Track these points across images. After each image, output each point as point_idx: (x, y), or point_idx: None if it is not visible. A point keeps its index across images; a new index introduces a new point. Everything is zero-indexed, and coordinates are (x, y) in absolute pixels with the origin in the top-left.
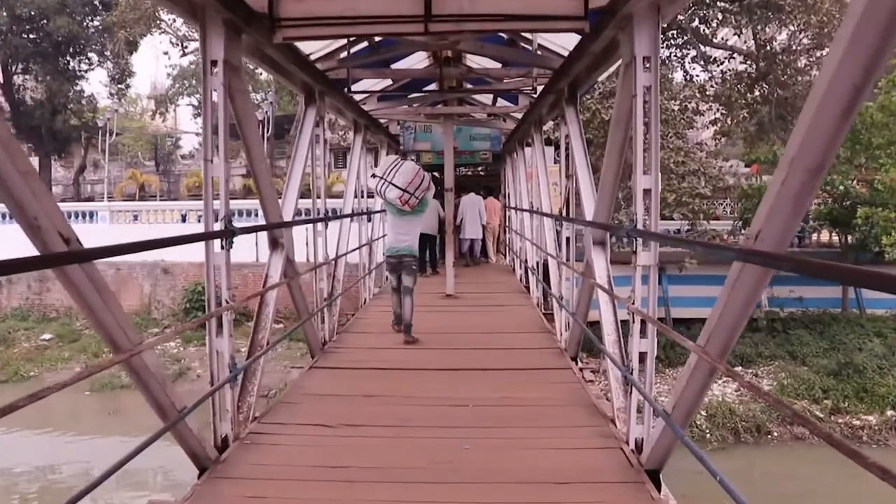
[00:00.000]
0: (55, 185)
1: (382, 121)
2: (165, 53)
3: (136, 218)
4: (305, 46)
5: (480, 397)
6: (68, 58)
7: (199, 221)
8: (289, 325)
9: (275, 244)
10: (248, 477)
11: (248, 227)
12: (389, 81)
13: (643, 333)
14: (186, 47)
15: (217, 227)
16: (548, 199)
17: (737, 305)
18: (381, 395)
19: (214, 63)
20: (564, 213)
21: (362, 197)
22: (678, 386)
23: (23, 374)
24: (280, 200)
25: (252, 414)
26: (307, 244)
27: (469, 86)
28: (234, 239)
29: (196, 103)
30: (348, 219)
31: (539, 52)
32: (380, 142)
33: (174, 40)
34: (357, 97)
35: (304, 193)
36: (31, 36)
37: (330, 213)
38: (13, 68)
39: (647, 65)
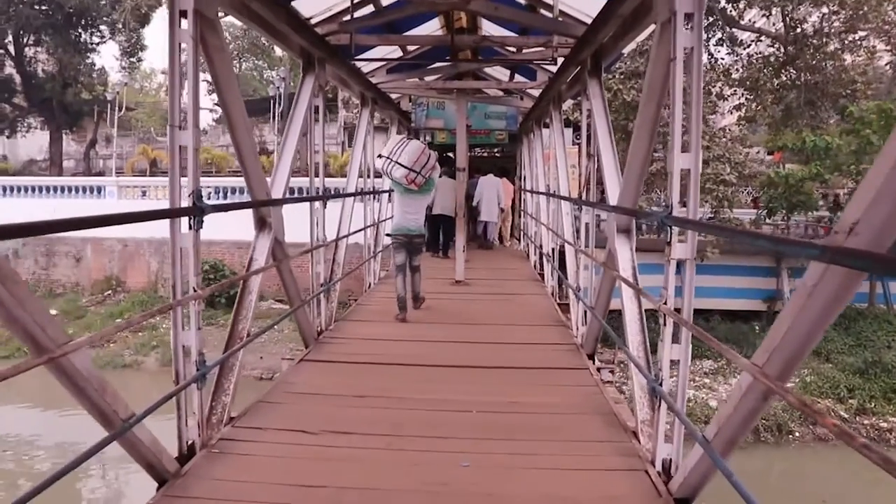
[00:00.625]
0: (67, 159)
1: (393, 96)
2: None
3: (144, 194)
4: (304, 8)
5: (486, 401)
6: (80, 30)
7: (208, 198)
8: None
9: (262, 224)
10: (209, 497)
11: (223, 205)
12: (399, 53)
13: (676, 338)
14: None
15: (184, 203)
16: (566, 182)
17: (811, 318)
18: (375, 395)
19: (184, 14)
20: (584, 197)
21: (369, 176)
22: (724, 409)
23: (25, 351)
24: (269, 177)
25: (227, 415)
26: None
27: (484, 58)
28: (225, 217)
29: (210, 79)
30: (351, 198)
31: (560, 19)
32: (390, 118)
33: None
34: (364, 69)
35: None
36: (43, 7)
37: (337, 192)
38: (24, 40)
39: (689, 23)
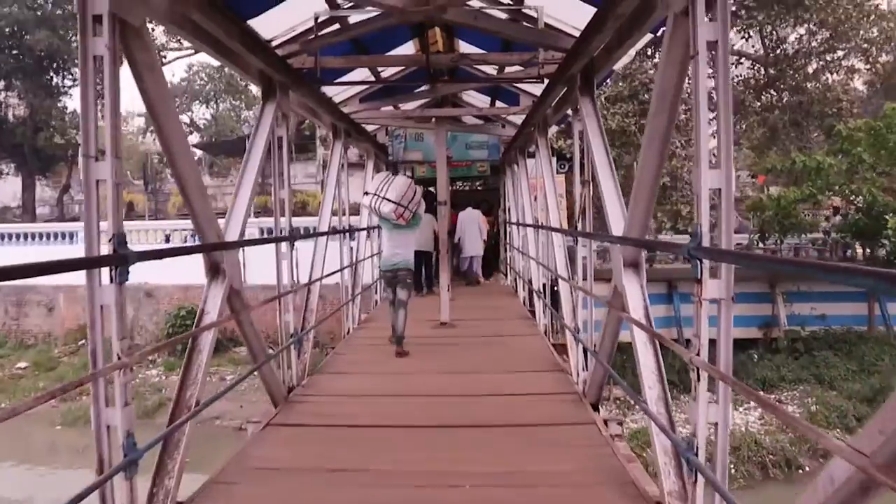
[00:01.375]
0: (41, 205)
1: (369, 129)
2: None
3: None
4: (263, 29)
5: (481, 472)
6: (51, 73)
7: (184, 242)
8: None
9: (214, 271)
10: None
11: (156, 251)
12: (371, 79)
13: (713, 396)
14: (164, 56)
15: (104, 250)
16: (556, 212)
17: None
18: (351, 468)
19: (98, 19)
20: (580, 227)
21: (344, 214)
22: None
23: None
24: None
25: (172, 502)
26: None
27: (463, 78)
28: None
29: (188, 121)
30: (324, 238)
31: (547, 31)
32: (366, 152)
33: None
34: (337, 99)
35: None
36: (13, 51)
37: (306, 232)
38: None
39: (712, 11)
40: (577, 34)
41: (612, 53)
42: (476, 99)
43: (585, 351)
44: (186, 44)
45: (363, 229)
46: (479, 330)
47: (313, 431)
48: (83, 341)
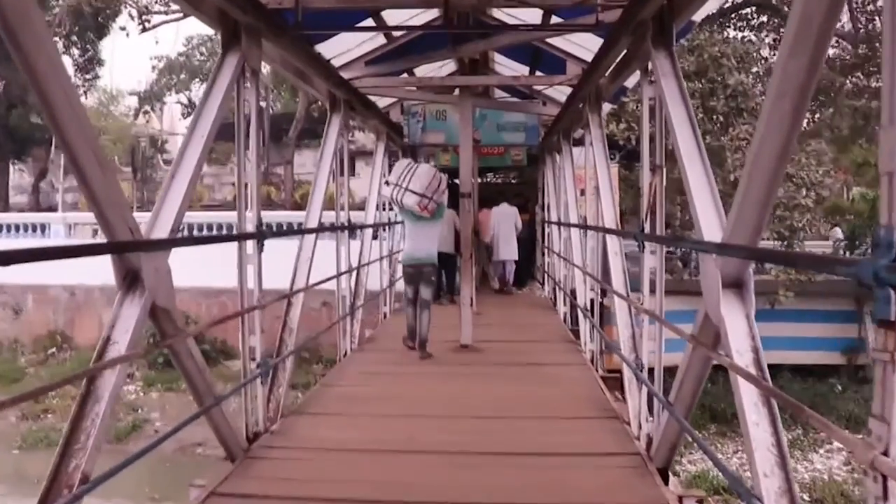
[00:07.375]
0: (16, 192)
1: (380, 105)
2: (123, 29)
3: (97, 232)
4: None
5: None
6: None
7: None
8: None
9: (130, 281)
10: None
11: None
12: (380, 40)
13: None
14: (148, 20)
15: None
16: (612, 210)
17: None
18: None
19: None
20: (646, 227)
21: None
22: None
23: None
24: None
25: None
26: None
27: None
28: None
29: (186, 101)
30: (311, 236)
31: None
32: (375, 130)
33: (132, 13)
34: (336, 62)
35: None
36: None
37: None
38: None
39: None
40: None
41: None
42: (510, 68)
43: (650, 395)
44: (174, 7)
45: (369, 226)
46: (510, 356)
47: None
48: (53, 350)
